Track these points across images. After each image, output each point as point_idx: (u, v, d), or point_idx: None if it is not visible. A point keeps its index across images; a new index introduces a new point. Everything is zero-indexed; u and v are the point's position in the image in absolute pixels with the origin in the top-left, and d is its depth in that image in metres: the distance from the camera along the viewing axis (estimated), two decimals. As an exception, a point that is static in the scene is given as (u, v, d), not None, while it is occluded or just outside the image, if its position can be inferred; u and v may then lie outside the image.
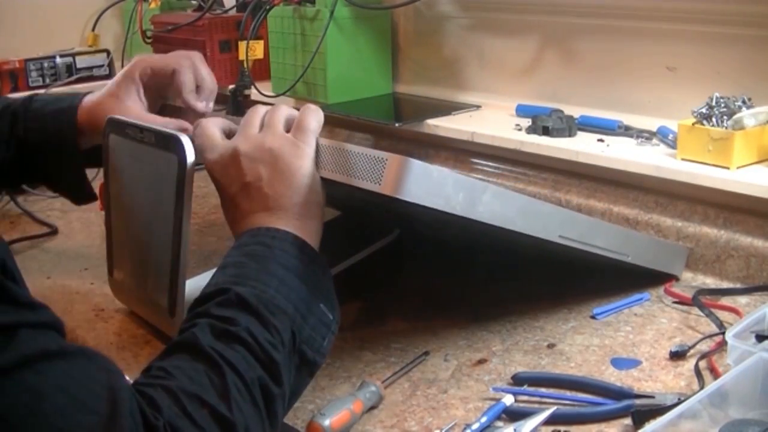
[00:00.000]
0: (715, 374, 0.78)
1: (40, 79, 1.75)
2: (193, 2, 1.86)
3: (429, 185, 0.70)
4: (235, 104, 1.54)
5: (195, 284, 0.80)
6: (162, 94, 1.04)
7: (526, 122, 1.22)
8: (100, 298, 1.04)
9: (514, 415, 0.74)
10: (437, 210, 0.72)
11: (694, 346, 0.83)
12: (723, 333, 0.83)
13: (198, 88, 1.03)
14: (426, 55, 1.46)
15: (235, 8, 1.68)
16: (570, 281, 0.98)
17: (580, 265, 0.94)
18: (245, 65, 1.51)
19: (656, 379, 0.79)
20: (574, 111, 1.21)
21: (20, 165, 1.06)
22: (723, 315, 0.89)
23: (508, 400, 0.75)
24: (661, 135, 1.09)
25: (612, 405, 0.74)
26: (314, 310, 0.70)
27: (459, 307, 0.97)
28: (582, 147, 1.12)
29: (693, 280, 1.00)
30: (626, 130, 1.14)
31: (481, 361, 0.85)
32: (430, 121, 1.30)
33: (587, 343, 0.87)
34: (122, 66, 1.86)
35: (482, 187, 0.75)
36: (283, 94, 1.44)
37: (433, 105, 1.39)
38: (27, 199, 1.43)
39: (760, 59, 1.05)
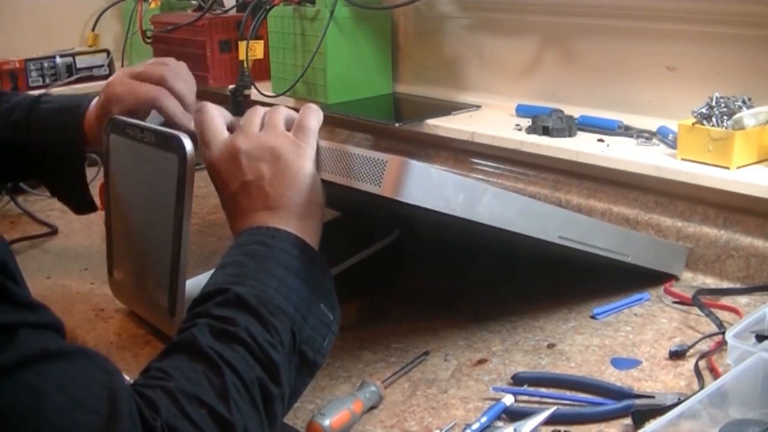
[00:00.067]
0: (715, 374, 0.78)
1: (40, 79, 1.75)
2: (193, 2, 1.86)
3: (429, 187, 0.70)
4: (235, 104, 1.54)
5: (195, 284, 0.80)
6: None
7: (526, 122, 1.22)
8: (100, 298, 1.04)
9: (514, 415, 0.74)
10: (437, 211, 0.72)
11: (693, 345, 0.83)
12: (723, 333, 0.83)
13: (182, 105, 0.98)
14: (426, 55, 1.46)
15: (235, 8, 1.68)
16: (570, 281, 0.98)
17: (580, 266, 0.94)
18: (245, 65, 1.51)
19: (656, 379, 0.79)
20: (574, 111, 1.21)
21: (21, 170, 1.06)
22: (723, 315, 0.89)
23: (508, 400, 0.75)
24: (661, 135, 1.09)
25: (612, 405, 0.74)
26: (314, 310, 0.70)
27: (459, 307, 0.97)
28: (582, 147, 1.12)
29: (693, 280, 1.00)
30: (626, 130, 1.14)
31: (481, 361, 0.85)
32: (430, 121, 1.30)
33: (587, 343, 0.87)
34: (122, 66, 1.88)
35: (482, 189, 0.76)
36: (283, 94, 1.44)
37: (433, 105, 1.39)
38: (27, 199, 1.43)
39: (760, 59, 1.05)
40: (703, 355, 0.81)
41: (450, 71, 1.42)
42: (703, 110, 1.00)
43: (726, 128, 0.98)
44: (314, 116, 0.79)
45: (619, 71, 1.20)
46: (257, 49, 1.53)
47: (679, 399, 0.73)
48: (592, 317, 0.92)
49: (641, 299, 0.95)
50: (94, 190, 1.06)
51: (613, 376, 0.80)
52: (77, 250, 1.23)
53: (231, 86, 1.57)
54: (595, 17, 1.21)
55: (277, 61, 1.51)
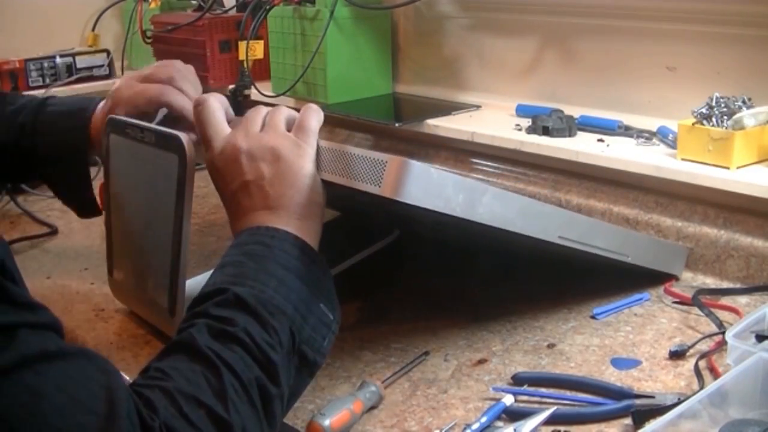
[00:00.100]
0: (715, 374, 0.78)
1: (40, 79, 1.75)
2: (193, 2, 1.86)
3: (429, 187, 0.70)
4: (235, 104, 1.54)
5: (195, 284, 0.80)
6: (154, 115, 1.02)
7: (526, 122, 1.22)
8: (100, 298, 1.04)
9: (514, 415, 0.74)
10: (437, 212, 0.72)
11: (693, 345, 0.83)
12: (723, 333, 0.83)
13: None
14: (426, 55, 1.46)
15: (235, 8, 1.68)
16: (570, 281, 0.98)
17: (580, 266, 0.94)
18: (245, 65, 1.51)
19: (656, 379, 0.79)
20: (574, 111, 1.21)
21: (26, 172, 1.06)
22: (723, 315, 0.89)
23: (508, 400, 0.75)
24: (661, 135, 1.09)
25: (612, 405, 0.74)
26: (314, 310, 0.70)
27: (459, 307, 0.97)
28: (582, 147, 1.12)
29: (693, 280, 1.00)
30: (626, 130, 1.14)
31: (481, 361, 0.85)
32: (430, 121, 1.30)
33: (587, 343, 0.87)
34: (122, 66, 1.88)
35: (482, 189, 0.76)
36: (283, 94, 1.44)
37: (433, 105, 1.39)
38: (27, 199, 1.43)
39: (760, 59, 1.05)
40: (703, 355, 0.81)
41: (450, 71, 1.42)
42: (703, 110, 1.00)
43: (726, 128, 0.98)
44: (315, 116, 0.79)
45: (619, 71, 1.20)
46: (257, 49, 1.53)
47: (679, 399, 0.73)
48: (592, 317, 0.92)
49: (641, 299, 0.95)
50: (95, 190, 1.07)
51: (613, 376, 0.80)
52: (77, 250, 1.23)
53: (231, 86, 1.57)
54: (595, 17, 1.21)
55: (277, 61, 1.51)
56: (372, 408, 0.77)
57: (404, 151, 1.38)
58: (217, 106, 0.80)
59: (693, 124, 1.00)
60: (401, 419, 0.76)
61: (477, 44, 1.38)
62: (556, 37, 1.27)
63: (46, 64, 1.76)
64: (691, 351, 0.83)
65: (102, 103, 1.02)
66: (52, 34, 1.89)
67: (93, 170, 1.09)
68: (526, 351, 0.86)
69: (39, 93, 1.53)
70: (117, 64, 1.88)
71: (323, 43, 1.37)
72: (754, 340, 0.80)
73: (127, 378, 0.62)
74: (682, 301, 0.94)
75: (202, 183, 0.85)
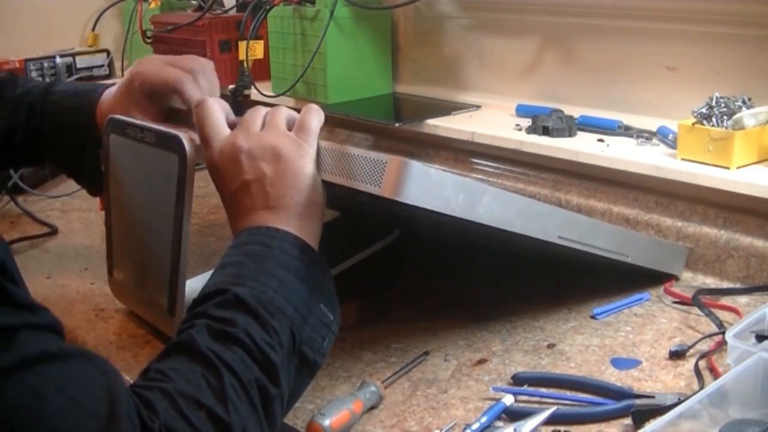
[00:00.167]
0: (715, 374, 0.78)
1: (40, 79, 1.75)
2: (193, 2, 1.86)
3: (429, 187, 0.70)
4: (235, 104, 1.54)
5: (195, 284, 0.80)
6: (166, 102, 1.02)
7: (526, 122, 1.22)
8: (100, 298, 1.04)
9: (514, 415, 0.74)
10: (437, 212, 0.72)
11: (693, 345, 0.83)
12: (723, 333, 0.83)
13: None
14: (426, 55, 1.46)
15: (235, 8, 1.68)
16: (570, 281, 0.98)
17: (580, 266, 0.94)
18: (245, 65, 1.51)
19: (656, 379, 0.80)
20: (574, 111, 1.21)
21: (36, 152, 1.06)
22: (723, 315, 0.89)
23: (508, 400, 0.75)
24: (661, 135, 1.09)
25: (612, 405, 0.74)
26: (314, 310, 0.70)
27: (459, 307, 0.97)
28: (582, 147, 1.12)
29: (693, 280, 1.00)
30: (626, 130, 1.14)
31: (481, 361, 0.85)
32: (430, 121, 1.30)
33: (587, 343, 0.87)
34: (122, 66, 1.88)
35: (482, 189, 0.76)
36: (283, 94, 1.44)
37: (433, 105, 1.39)
38: (27, 199, 1.43)
39: (760, 59, 1.05)
40: (703, 355, 0.81)
41: (450, 71, 1.42)
42: (703, 110, 1.00)
43: (726, 128, 0.98)
44: (315, 116, 0.79)
45: (619, 71, 1.20)
46: (257, 49, 1.53)
47: (679, 399, 0.73)
48: (592, 317, 0.92)
49: (641, 299, 0.95)
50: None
51: (613, 376, 0.80)
52: (77, 250, 1.23)
53: (231, 86, 1.57)
54: (595, 17, 1.21)
55: (277, 61, 1.51)
56: (372, 408, 0.77)
57: (404, 151, 1.38)
58: (217, 106, 0.80)
59: (693, 124, 1.00)
60: (401, 419, 0.76)
61: (477, 44, 1.38)
62: (556, 37, 1.27)
63: (46, 64, 1.76)
64: (691, 351, 0.83)
65: (112, 87, 1.02)
66: (52, 34, 1.89)
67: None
68: (526, 351, 0.86)
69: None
70: (117, 64, 1.88)
71: (323, 43, 1.37)
72: (754, 340, 0.80)
73: (128, 378, 0.62)
74: (682, 301, 0.94)
75: (202, 183, 0.85)
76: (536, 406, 0.76)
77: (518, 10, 1.31)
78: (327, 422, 0.72)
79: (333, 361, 0.85)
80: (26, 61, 1.73)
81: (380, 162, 0.69)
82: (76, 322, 0.99)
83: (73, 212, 1.37)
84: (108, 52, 1.85)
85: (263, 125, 0.78)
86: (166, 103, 1.00)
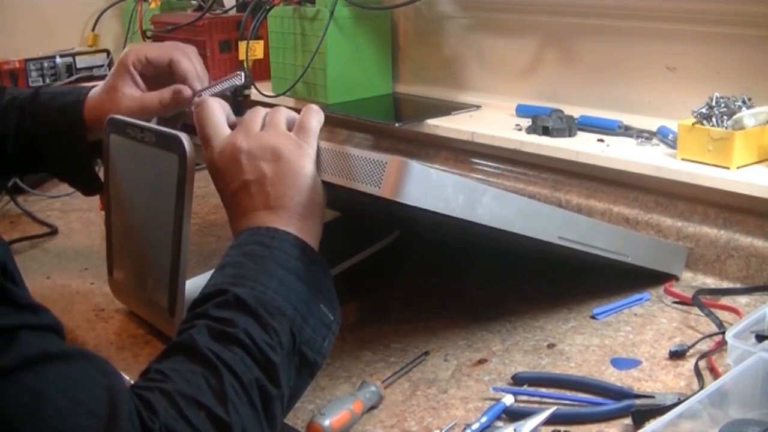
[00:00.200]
0: (715, 374, 0.78)
1: (40, 79, 1.75)
2: (193, 2, 1.86)
3: (429, 188, 0.70)
4: (235, 104, 1.54)
5: (195, 284, 0.80)
6: (159, 82, 1.03)
7: (526, 122, 1.22)
8: (100, 298, 1.04)
9: (514, 415, 0.74)
10: (437, 212, 0.72)
11: (693, 345, 0.83)
12: (723, 333, 0.83)
13: None
14: (426, 55, 1.46)
15: (235, 8, 1.68)
16: (570, 281, 0.98)
17: (580, 266, 0.94)
18: (245, 65, 1.51)
19: (656, 379, 0.80)
20: (574, 111, 1.21)
21: (28, 157, 1.07)
22: (723, 315, 0.89)
23: (508, 400, 0.75)
24: (661, 135, 1.09)
25: (612, 405, 0.74)
26: (314, 310, 0.70)
27: (459, 307, 0.97)
28: (582, 147, 1.12)
29: (693, 280, 1.00)
30: (626, 130, 1.14)
31: (481, 361, 0.85)
32: (430, 121, 1.30)
33: (587, 343, 0.87)
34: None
35: (482, 189, 0.76)
36: (283, 94, 1.44)
37: (433, 105, 1.39)
38: (27, 199, 1.43)
39: (760, 59, 1.05)
40: (703, 355, 0.81)
41: (450, 71, 1.42)
42: (703, 110, 1.00)
43: (726, 128, 0.98)
44: (315, 117, 0.79)
45: (619, 71, 1.20)
46: (257, 49, 1.53)
47: (679, 399, 0.73)
48: (592, 317, 0.92)
49: (641, 299, 0.95)
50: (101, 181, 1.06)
51: (613, 376, 0.80)
52: (77, 250, 1.23)
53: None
54: (595, 17, 1.21)
55: (277, 61, 1.51)
56: (372, 408, 0.77)
57: (404, 151, 1.38)
58: (217, 106, 0.80)
59: (693, 124, 1.00)
60: (401, 419, 0.76)
61: (477, 44, 1.38)
62: (556, 37, 1.27)
63: (46, 64, 1.76)
64: (691, 351, 0.83)
65: (95, 90, 1.04)
66: (52, 34, 1.89)
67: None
68: (526, 351, 0.86)
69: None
70: (117, 64, 1.87)
71: (323, 43, 1.37)
72: (754, 340, 0.80)
73: (128, 379, 0.62)
74: (682, 301, 0.94)
75: (202, 183, 0.85)
76: (536, 406, 0.76)
77: (518, 10, 1.31)
78: (327, 422, 0.72)
79: (333, 361, 0.85)
80: (26, 61, 1.73)
81: (380, 162, 0.69)
82: (76, 322, 0.99)
83: (73, 212, 1.37)
84: (108, 52, 1.85)
85: (263, 125, 0.78)
86: (157, 87, 1.01)
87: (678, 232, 1.03)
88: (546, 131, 1.16)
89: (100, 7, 1.97)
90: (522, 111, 1.27)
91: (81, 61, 1.80)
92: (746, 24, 1.05)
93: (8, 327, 0.52)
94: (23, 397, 0.51)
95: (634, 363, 0.83)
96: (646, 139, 1.10)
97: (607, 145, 1.11)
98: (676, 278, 0.99)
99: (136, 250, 0.95)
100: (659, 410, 0.71)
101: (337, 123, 1.49)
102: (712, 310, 0.90)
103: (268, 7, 1.48)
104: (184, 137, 0.83)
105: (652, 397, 0.75)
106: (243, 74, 0.98)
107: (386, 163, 0.69)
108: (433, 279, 1.05)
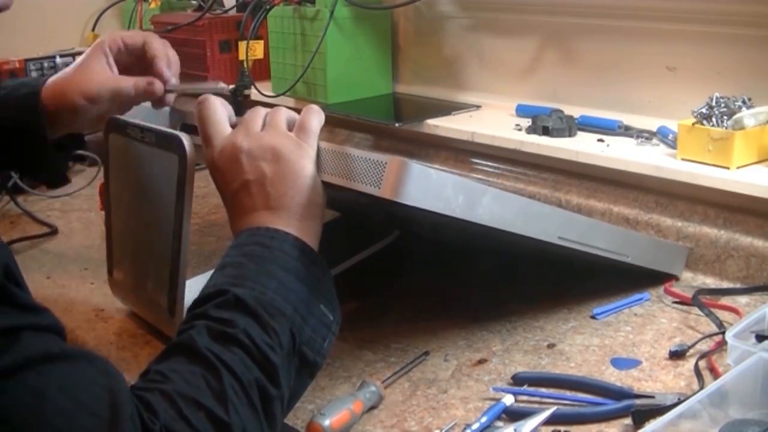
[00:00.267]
0: (715, 374, 0.78)
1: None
2: (193, 2, 1.86)
3: (428, 188, 0.70)
4: (235, 104, 1.54)
5: (195, 284, 0.80)
6: (132, 69, 1.01)
7: (526, 122, 1.22)
8: (100, 298, 1.04)
9: (514, 415, 0.74)
10: (437, 213, 0.72)
11: (693, 345, 0.83)
12: (723, 333, 0.83)
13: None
14: (426, 55, 1.46)
15: (235, 8, 1.68)
16: (570, 281, 0.98)
17: (580, 266, 0.94)
18: (245, 65, 1.51)
19: (656, 379, 0.80)
20: (574, 111, 1.21)
21: None
22: (723, 315, 0.89)
23: (508, 400, 0.75)
24: (661, 135, 1.09)
25: (612, 405, 0.74)
26: (314, 311, 0.70)
27: (459, 307, 0.97)
28: (582, 147, 1.12)
29: (693, 280, 1.00)
30: (626, 130, 1.14)
31: (481, 361, 0.85)
32: (430, 121, 1.30)
33: (587, 343, 0.87)
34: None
35: (481, 190, 0.76)
36: (283, 94, 1.44)
37: (433, 105, 1.39)
38: (27, 199, 1.43)
39: (760, 59, 1.05)
40: (703, 355, 0.81)
41: (450, 71, 1.42)
42: (703, 110, 1.00)
43: (726, 128, 0.98)
44: (316, 117, 0.79)
45: (619, 71, 1.20)
46: (257, 49, 1.53)
47: (679, 399, 0.73)
48: (592, 317, 0.92)
49: (641, 299, 0.95)
50: (94, 190, 1.07)
51: (613, 376, 0.80)
52: (77, 250, 1.23)
53: (231, 86, 1.57)
54: (595, 17, 1.22)
55: (277, 61, 1.51)
56: (372, 408, 0.77)
57: (404, 151, 1.38)
58: (219, 105, 0.80)
59: (693, 124, 1.00)
60: (401, 419, 0.76)
61: (477, 44, 1.38)
62: (556, 37, 1.27)
63: (46, 64, 1.75)
64: (691, 351, 0.83)
65: (58, 73, 1.00)
66: (52, 34, 1.89)
67: (93, 170, 1.09)
68: (526, 351, 0.86)
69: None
70: (117, 64, 1.87)
71: (323, 43, 1.37)
72: (754, 340, 0.80)
73: (128, 379, 0.62)
74: (682, 301, 0.94)
75: (202, 183, 0.85)
76: (536, 406, 0.76)
77: (518, 10, 1.31)
78: (327, 422, 0.72)
79: (333, 361, 0.85)
80: (26, 61, 1.72)
81: (380, 163, 0.69)
82: (76, 322, 0.99)
83: (73, 212, 1.37)
84: (108, 52, 1.85)
85: (264, 125, 0.78)
86: (133, 67, 1.00)
87: (678, 232, 1.03)
88: (546, 131, 1.16)
89: (100, 7, 1.97)
90: (522, 111, 1.27)
91: (81, 61, 1.80)
92: (746, 24, 1.05)
93: (10, 327, 0.52)
94: (25, 397, 0.51)
95: (634, 363, 0.83)
96: (646, 139, 1.10)
97: (607, 145, 1.11)
98: (676, 278, 0.99)
99: (136, 250, 0.95)
100: (659, 410, 0.71)
101: (337, 123, 1.49)
102: (712, 310, 0.90)
103: (268, 7, 1.48)
104: (184, 137, 0.83)
105: (652, 397, 0.75)
106: (227, 87, 0.96)
107: (386, 163, 0.69)
108: (433, 279, 1.05)
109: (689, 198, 1.03)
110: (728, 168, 0.97)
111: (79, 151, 1.15)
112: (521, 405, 0.76)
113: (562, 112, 1.20)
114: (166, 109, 0.98)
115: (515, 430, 0.71)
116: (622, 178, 1.09)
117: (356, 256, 0.97)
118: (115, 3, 1.96)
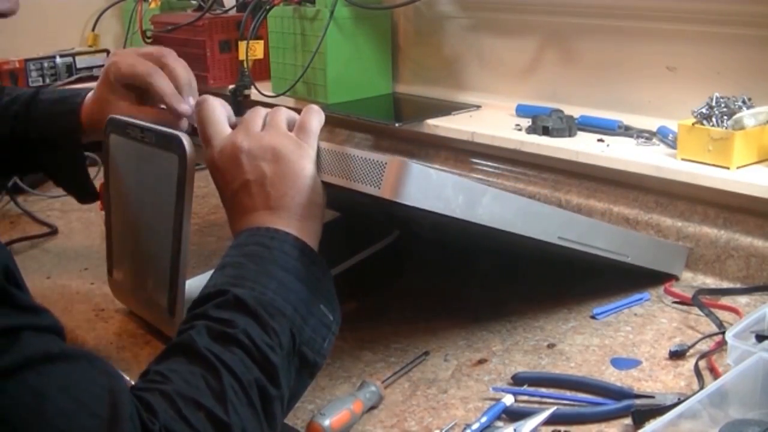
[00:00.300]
0: (715, 374, 0.78)
1: (40, 79, 1.75)
2: (193, 2, 1.86)
3: (428, 188, 0.70)
4: (235, 104, 1.54)
5: (195, 284, 0.80)
6: (141, 94, 1.01)
7: (526, 122, 1.22)
8: (100, 298, 1.04)
9: (514, 415, 0.74)
10: (437, 213, 0.72)
11: (693, 345, 0.83)
12: (723, 333, 0.83)
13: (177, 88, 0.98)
14: (426, 55, 1.46)
15: (235, 8, 1.68)
16: (570, 281, 0.98)
17: (580, 266, 0.94)
18: (245, 65, 1.51)
19: (656, 379, 0.80)
20: (574, 111, 1.21)
21: (24, 162, 1.06)
22: (723, 315, 0.89)
23: (508, 400, 0.75)
24: (661, 135, 1.09)
25: (612, 405, 0.74)
26: (314, 311, 0.70)
27: (459, 307, 0.97)
28: (582, 147, 1.12)
29: (693, 280, 1.00)
30: (626, 130, 1.14)
31: (481, 361, 0.85)
32: (430, 121, 1.30)
33: (587, 343, 0.87)
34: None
35: (481, 190, 0.76)
36: (283, 94, 1.44)
37: (433, 105, 1.39)
38: (27, 199, 1.43)
39: (760, 59, 1.05)
40: (703, 355, 0.81)
41: (450, 71, 1.42)
42: (703, 110, 1.00)
43: (726, 128, 0.98)
44: (316, 117, 0.79)
45: (619, 71, 1.20)
46: (257, 49, 1.53)
47: (679, 399, 0.73)
48: (592, 317, 0.92)
49: (641, 299, 0.95)
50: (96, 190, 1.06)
51: (613, 376, 0.80)
52: (77, 250, 1.23)
53: (231, 86, 1.57)
54: (595, 17, 1.22)
55: (277, 61, 1.51)
56: (372, 408, 0.77)
57: (404, 151, 1.38)
58: (218, 105, 0.80)
59: (693, 124, 1.00)
60: (401, 419, 0.76)
61: (477, 44, 1.38)
62: (556, 37, 1.27)
63: (46, 64, 1.76)
64: (691, 351, 0.83)
65: (90, 96, 1.03)
66: (52, 34, 1.89)
67: (93, 170, 1.09)
68: (526, 351, 0.86)
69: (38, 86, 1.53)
70: (117, 64, 1.87)
71: (323, 43, 1.37)
72: (754, 340, 0.80)
73: (128, 380, 0.62)
74: (682, 301, 0.94)
75: (202, 183, 0.85)
76: (536, 406, 0.76)
77: (518, 10, 1.31)
78: (327, 422, 0.72)
79: (333, 361, 0.85)
80: (26, 61, 1.73)
81: (380, 163, 0.69)
82: (76, 322, 0.99)
83: (73, 212, 1.37)
84: (108, 52, 1.85)
85: (264, 126, 0.78)
86: (143, 91, 1.00)
87: (678, 232, 1.03)
88: (546, 131, 1.16)
89: (100, 7, 1.97)
90: (522, 111, 1.27)
91: (81, 61, 1.80)
92: (746, 24, 1.05)
93: (10, 328, 0.52)
94: (25, 397, 0.51)
95: (634, 363, 0.83)
96: (646, 139, 1.10)
97: (607, 145, 1.11)
98: (676, 278, 0.99)
99: (136, 250, 0.95)
100: (659, 410, 0.71)
101: (337, 123, 1.49)
102: (712, 310, 0.90)
103: (268, 7, 1.48)
104: (184, 137, 0.83)
105: (652, 397, 0.75)
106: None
107: (386, 163, 0.69)
108: (433, 279, 1.05)
109: (689, 198, 1.03)
110: (728, 168, 0.97)
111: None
112: (521, 405, 0.76)
113: (562, 112, 1.20)
114: None
115: (515, 430, 0.71)
116: (622, 178, 1.09)
117: (356, 256, 0.97)
118: (115, 3, 1.96)
